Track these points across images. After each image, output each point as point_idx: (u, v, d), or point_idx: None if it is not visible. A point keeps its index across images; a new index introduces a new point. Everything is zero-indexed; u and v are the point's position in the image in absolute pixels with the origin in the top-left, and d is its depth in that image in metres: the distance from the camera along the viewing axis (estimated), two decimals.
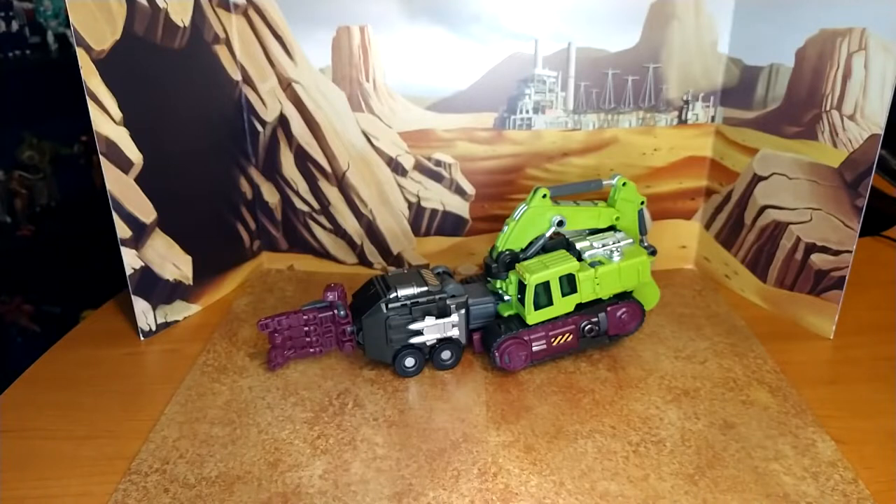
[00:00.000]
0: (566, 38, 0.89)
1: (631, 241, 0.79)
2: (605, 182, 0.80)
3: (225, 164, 0.93)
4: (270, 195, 0.98)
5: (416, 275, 0.77)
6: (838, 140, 0.77)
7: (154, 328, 0.86)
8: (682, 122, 0.92)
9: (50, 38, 1.76)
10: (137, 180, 0.80)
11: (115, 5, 0.74)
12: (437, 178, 0.96)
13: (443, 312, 0.76)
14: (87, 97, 0.73)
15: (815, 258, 0.81)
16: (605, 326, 0.78)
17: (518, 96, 0.92)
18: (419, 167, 0.96)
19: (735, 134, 0.90)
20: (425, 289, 0.75)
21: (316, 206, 0.98)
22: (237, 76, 0.91)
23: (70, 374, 0.78)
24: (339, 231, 1.00)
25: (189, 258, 0.88)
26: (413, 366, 0.76)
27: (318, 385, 0.76)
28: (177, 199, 0.85)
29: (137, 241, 0.81)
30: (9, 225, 1.75)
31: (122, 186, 0.78)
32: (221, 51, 0.88)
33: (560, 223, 0.76)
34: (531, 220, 0.76)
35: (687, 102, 0.91)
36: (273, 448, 0.66)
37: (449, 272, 0.82)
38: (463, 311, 0.77)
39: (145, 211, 0.81)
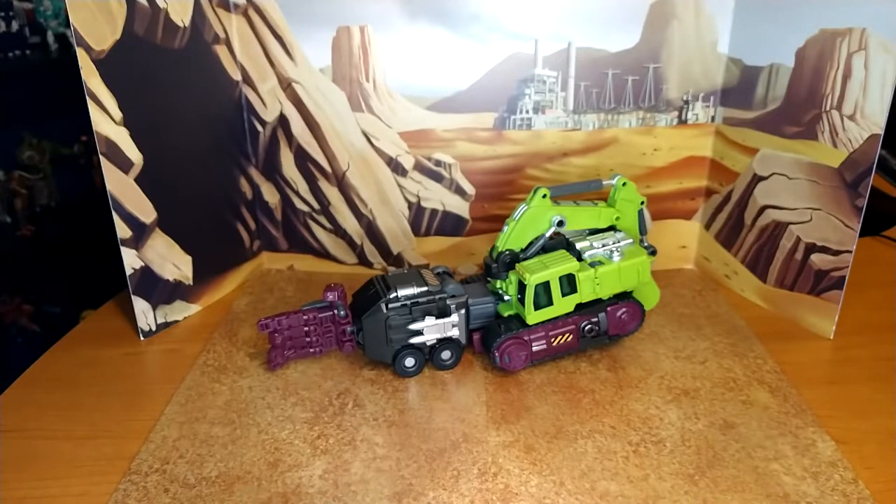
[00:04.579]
0: (566, 38, 0.89)
1: (631, 241, 0.79)
2: (605, 182, 0.80)
3: (225, 164, 0.93)
4: (270, 195, 0.98)
5: (416, 275, 0.77)
6: (838, 140, 0.77)
7: (154, 328, 0.86)
8: (682, 122, 0.93)
9: (50, 38, 1.76)
10: (137, 180, 0.80)
11: (115, 5, 0.74)
12: (437, 178, 0.96)
13: (443, 312, 0.76)
14: (87, 97, 0.73)
15: (815, 258, 0.81)
16: (605, 326, 0.78)
17: (518, 96, 0.92)
18: (419, 167, 0.96)
19: (735, 134, 0.90)
20: (425, 289, 0.75)
21: (316, 206, 0.98)
22: (237, 76, 0.91)
23: (70, 374, 0.78)
24: (339, 231, 1.00)
25: (189, 258, 0.89)
26: (413, 366, 0.76)
27: (318, 385, 0.76)
28: (177, 199, 0.85)
29: (137, 241, 0.81)
30: (9, 225, 1.75)
31: (122, 186, 0.78)
32: (221, 51, 0.88)
33: (560, 223, 0.76)
34: (531, 220, 0.76)
35: (687, 102, 0.91)
36: (273, 448, 0.66)
37: (449, 272, 0.82)
38: (463, 311, 0.77)
39: (145, 211, 0.81)
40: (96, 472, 0.64)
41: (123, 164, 0.78)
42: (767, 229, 0.87)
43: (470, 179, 0.96)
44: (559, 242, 0.78)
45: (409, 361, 0.76)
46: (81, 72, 0.72)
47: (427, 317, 0.75)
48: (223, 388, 0.75)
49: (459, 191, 0.97)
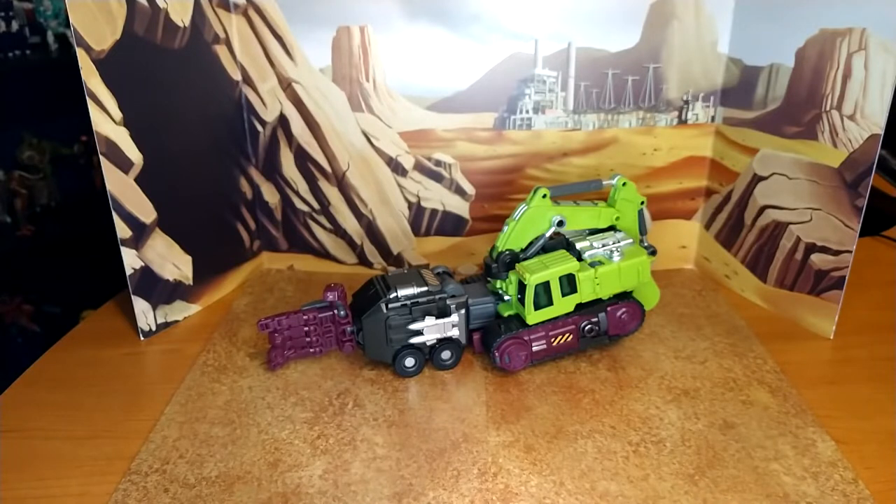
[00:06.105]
0: (566, 38, 0.89)
1: (631, 241, 0.79)
2: (605, 182, 0.80)
3: (225, 164, 0.93)
4: (270, 195, 0.98)
5: (416, 275, 0.77)
6: (838, 140, 0.77)
7: (154, 328, 0.86)
8: (682, 122, 0.93)
9: (50, 38, 1.76)
10: (137, 180, 0.80)
11: (115, 5, 0.74)
12: (437, 178, 0.96)
13: (443, 312, 0.76)
14: (87, 97, 0.73)
15: (815, 258, 0.81)
16: (605, 326, 0.78)
17: (518, 96, 0.92)
18: (419, 167, 0.96)
19: (735, 134, 0.90)
20: (425, 289, 0.75)
21: (316, 206, 0.98)
22: (237, 76, 0.91)
23: (70, 374, 0.78)
24: (339, 231, 1.00)
25: (189, 258, 0.89)
26: (413, 366, 0.76)
27: (318, 385, 0.76)
28: (177, 199, 0.85)
29: (137, 241, 0.81)
30: (9, 225, 1.75)
31: (122, 186, 0.78)
32: (221, 51, 0.88)
33: (560, 223, 0.76)
34: (531, 220, 0.76)
35: (687, 102, 0.91)
36: (273, 448, 0.66)
37: (449, 272, 0.82)
38: (463, 311, 0.77)
39: (145, 211, 0.81)
40: (96, 472, 0.64)
41: (123, 164, 0.78)
42: (767, 229, 0.87)
43: (470, 179, 0.96)
44: (559, 242, 0.78)
45: (409, 361, 0.76)
46: (81, 72, 0.72)
47: (427, 317, 0.75)
48: (223, 388, 0.75)
49: (459, 191, 0.97)
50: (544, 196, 0.75)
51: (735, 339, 0.82)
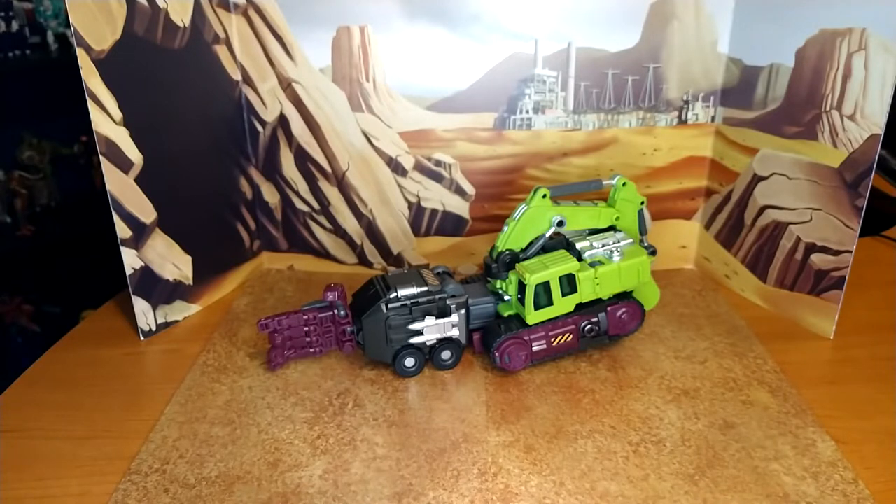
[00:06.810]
0: (566, 38, 0.89)
1: (631, 241, 0.79)
2: (605, 182, 0.80)
3: (225, 164, 0.93)
4: (270, 195, 0.98)
5: (416, 275, 0.77)
6: (838, 140, 0.77)
7: (154, 328, 0.86)
8: (682, 122, 0.92)
9: (50, 38, 1.76)
10: (137, 180, 0.80)
11: (115, 5, 0.74)
12: (437, 178, 0.96)
13: (443, 312, 0.76)
14: (87, 97, 0.73)
15: (815, 258, 0.81)
16: (605, 326, 0.78)
17: (518, 96, 0.92)
18: (419, 167, 0.96)
19: (735, 134, 0.90)
20: (425, 289, 0.75)
21: (316, 206, 0.98)
22: (237, 76, 0.91)
23: (70, 374, 0.78)
24: (339, 231, 1.00)
25: (189, 258, 0.88)
26: (413, 366, 0.76)
27: (318, 385, 0.76)
28: (177, 199, 0.85)
29: (137, 241, 0.81)
30: (9, 225, 1.75)
31: (122, 186, 0.78)
32: (221, 51, 0.88)
33: (560, 223, 0.76)
34: (531, 220, 0.76)
35: (687, 102, 0.91)
36: (273, 448, 0.66)
37: (449, 272, 0.82)
38: (463, 311, 0.77)
39: (145, 211, 0.81)
40: (96, 472, 0.64)
41: (123, 164, 0.78)
42: (767, 229, 0.87)
43: (470, 179, 0.96)
44: (559, 242, 0.78)
45: (409, 361, 0.76)
46: (81, 72, 0.72)
47: (427, 317, 0.75)
48: (223, 388, 0.75)
49: (459, 191, 0.97)
50: (544, 196, 0.75)
51: (735, 339, 0.82)
